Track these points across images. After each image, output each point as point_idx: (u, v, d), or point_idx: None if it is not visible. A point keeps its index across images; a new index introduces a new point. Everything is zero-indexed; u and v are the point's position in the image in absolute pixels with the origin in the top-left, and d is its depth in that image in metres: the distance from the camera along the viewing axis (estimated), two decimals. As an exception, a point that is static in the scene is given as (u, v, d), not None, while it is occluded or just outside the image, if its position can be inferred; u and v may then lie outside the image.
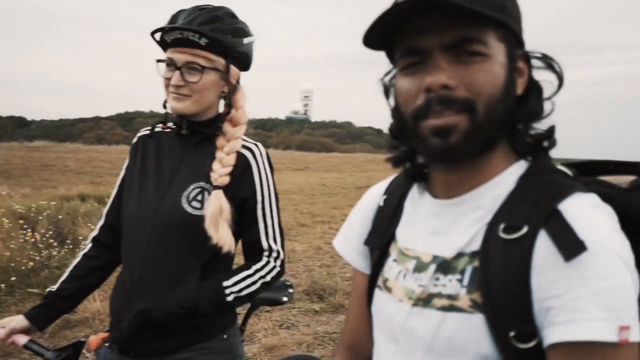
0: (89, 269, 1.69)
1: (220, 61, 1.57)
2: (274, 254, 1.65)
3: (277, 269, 1.65)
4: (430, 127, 0.82)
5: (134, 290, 1.56)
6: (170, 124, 1.70)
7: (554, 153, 0.92)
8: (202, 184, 1.58)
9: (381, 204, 1.07)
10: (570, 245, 0.74)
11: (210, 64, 1.55)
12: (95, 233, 1.75)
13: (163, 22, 1.58)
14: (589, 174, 1.01)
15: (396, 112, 0.92)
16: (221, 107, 1.68)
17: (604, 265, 0.73)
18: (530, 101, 0.88)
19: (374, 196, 1.11)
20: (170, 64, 1.55)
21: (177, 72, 1.52)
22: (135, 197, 1.62)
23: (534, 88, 0.89)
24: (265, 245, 1.64)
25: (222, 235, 1.53)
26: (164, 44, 1.57)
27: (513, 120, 0.88)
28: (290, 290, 2.22)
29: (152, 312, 1.51)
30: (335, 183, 17.49)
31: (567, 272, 0.74)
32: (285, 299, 2.19)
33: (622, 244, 0.76)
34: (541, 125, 0.90)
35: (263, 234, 1.64)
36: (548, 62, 0.89)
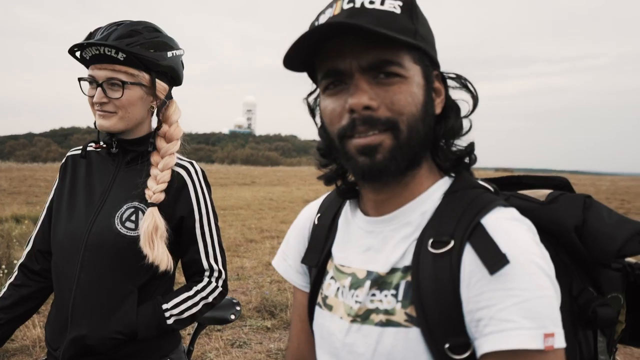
0: (18, 299, 1.60)
1: (144, 76, 1.55)
2: (215, 274, 1.62)
3: (219, 289, 1.63)
4: (357, 146, 0.85)
5: (67, 316, 1.49)
6: (102, 143, 1.65)
7: (485, 163, 0.97)
8: (136, 203, 1.53)
9: (316, 222, 1.09)
10: (494, 259, 0.78)
11: (132, 79, 1.53)
12: (22, 260, 1.65)
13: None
14: (509, 188, 1.07)
15: (323, 131, 0.95)
16: (154, 123, 1.64)
17: (527, 276, 0.77)
18: (448, 120, 0.92)
19: (309, 215, 1.14)
20: (92, 81, 1.52)
21: (99, 89, 1.50)
22: (66, 219, 1.56)
23: (452, 107, 0.93)
24: (205, 265, 1.62)
25: (158, 253, 1.49)
26: (84, 61, 1.54)
27: (434, 138, 0.92)
28: (238, 308, 2.20)
29: (87, 340, 1.45)
30: (282, 197, 17.44)
31: (493, 285, 0.78)
32: (232, 317, 2.17)
33: (542, 256, 0.80)
34: (462, 142, 0.95)
35: (203, 253, 1.61)
36: (462, 82, 0.95)
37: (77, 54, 1.53)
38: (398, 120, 0.84)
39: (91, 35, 1.53)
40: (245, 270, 6.80)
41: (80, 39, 1.56)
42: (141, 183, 1.55)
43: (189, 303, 1.56)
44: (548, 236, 0.95)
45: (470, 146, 0.94)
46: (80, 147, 1.70)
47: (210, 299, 1.60)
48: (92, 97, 1.52)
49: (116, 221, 1.51)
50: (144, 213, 1.52)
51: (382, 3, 0.84)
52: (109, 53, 1.47)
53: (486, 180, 1.01)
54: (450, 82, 0.95)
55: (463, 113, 0.95)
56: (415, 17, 0.87)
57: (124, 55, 1.48)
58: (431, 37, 0.92)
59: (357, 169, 0.87)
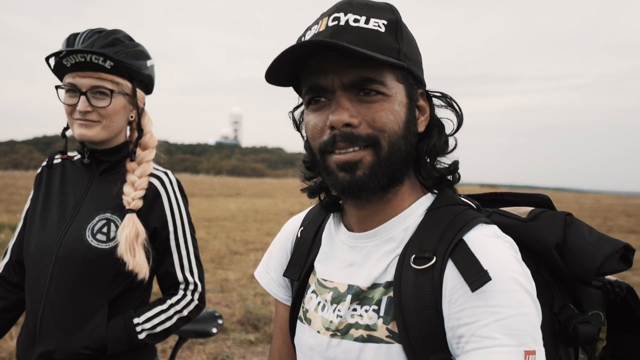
0: None
1: (127, 85, 1.54)
2: (191, 287, 1.59)
3: (195, 302, 1.59)
4: (337, 161, 0.87)
5: (36, 330, 1.46)
6: (71, 154, 1.63)
7: (470, 179, 0.98)
8: (108, 215, 1.51)
9: (299, 235, 1.10)
10: (475, 275, 0.78)
11: (118, 88, 1.51)
12: None
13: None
14: (492, 205, 1.08)
15: (308, 144, 0.96)
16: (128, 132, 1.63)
17: (508, 293, 0.77)
18: (431, 138, 0.93)
19: (292, 228, 1.14)
20: (73, 89, 1.48)
21: (83, 98, 1.47)
22: (37, 231, 1.53)
23: (435, 125, 0.94)
24: (180, 277, 1.58)
25: (138, 261, 1.47)
26: (61, 69, 1.50)
27: (417, 155, 0.93)
28: (220, 322, 2.18)
29: (55, 355, 1.43)
30: (268, 209, 17.37)
31: (474, 302, 0.78)
32: (214, 330, 2.14)
33: (523, 273, 0.81)
34: (447, 160, 0.96)
35: (178, 266, 1.58)
36: (447, 101, 0.96)
37: (51, 60, 1.49)
38: (379, 137, 0.85)
39: (70, 42, 1.49)
40: (229, 282, 6.73)
41: (59, 44, 1.52)
42: (115, 193, 1.53)
43: (163, 317, 1.53)
44: (529, 253, 0.96)
45: (454, 164, 0.95)
46: (48, 158, 1.66)
47: (185, 312, 1.57)
48: (71, 105, 1.49)
49: (87, 233, 1.48)
50: (116, 224, 1.49)
51: (367, 22, 0.85)
52: (96, 61, 1.44)
53: (469, 196, 1.02)
54: (435, 101, 0.96)
55: (448, 131, 0.95)
56: (400, 35, 0.88)
57: (112, 64, 1.46)
58: (417, 55, 0.93)
59: (337, 185, 0.88)
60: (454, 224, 0.87)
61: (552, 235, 0.95)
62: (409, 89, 0.90)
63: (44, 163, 1.66)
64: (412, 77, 0.90)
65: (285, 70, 0.88)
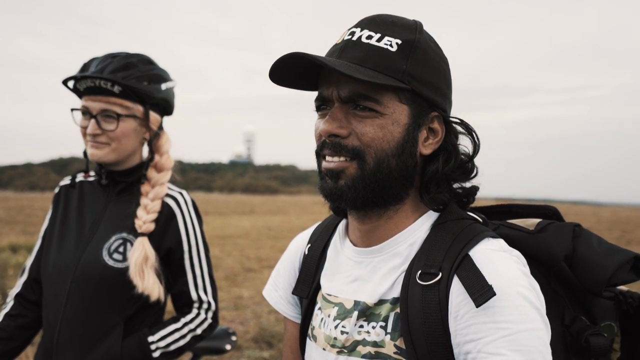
0: (14, 330, 1.58)
1: (138, 108, 1.56)
2: (205, 306, 1.61)
3: (209, 321, 1.61)
4: (325, 168, 0.90)
5: (53, 348, 1.48)
6: (92, 173, 1.67)
7: (486, 193, 0.98)
8: (124, 234, 1.53)
9: (306, 252, 1.10)
10: (480, 291, 0.78)
11: (127, 112, 1.54)
12: (17, 290, 1.64)
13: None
14: (499, 217, 1.07)
15: None
16: (145, 153, 1.66)
17: (514, 308, 0.77)
18: (435, 163, 0.92)
19: (299, 245, 1.14)
20: (86, 112, 1.54)
21: (92, 121, 1.51)
22: (56, 250, 1.56)
23: (444, 150, 0.93)
24: (194, 296, 1.60)
25: (148, 283, 1.48)
26: (77, 92, 1.55)
27: (422, 178, 0.93)
28: (234, 338, 2.18)
29: None
30: (281, 226, 17.37)
31: (480, 317, 0.78)
32: (228, 347, 2.14)
33: (530, 287, 0.80)
34: (466, 184, 0.95)
35: (192, 285, 1.60)
36: (466, 128, 0.96)
37: (70, 84, 1.54)
38: (365, 152, 0.87)
39: (86, 66, 1.54)
40: (243, 300, 6.73)
41: (75, 68, 1.58)
42: (131, 213, 1.55)
43: (177, 335, 1.55)
44: (539, 265, 0.95)
45: (471, 190, 0.95)
46: (70, 177, 1.70)
47: (198, 331, 1.58)
48: (84, 127, 1.54)
49: (104, 252, 1.50)
50: (132, 244, 1.51)
51: (380, 39, 0.86)
52: (105, 86, 1.48)
53: (475, 209, 1.01)
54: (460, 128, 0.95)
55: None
56: (413, 56, 0.87)
57: (120, 88, 1.49)
58: (435, 78, 0.91)
59: (321, 189, 0.92)
60: (460, 239, 0.86)
61: (560, 247, 0.94)
62: (415, 110, 0.89)
63: (64, 182, 1.69)
64: (423, 98, 0.90)
65: (295, 74, 0.92)
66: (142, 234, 1.52)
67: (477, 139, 0.95)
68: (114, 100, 1.51)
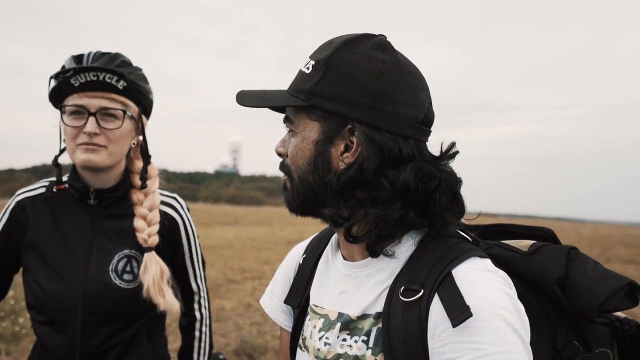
0: None
1: (135, 108, 1.44)
2: (203, 296, 1.66)
3: (205, 320, 1.68)
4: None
5: None
6: (65, 184, 1.47)
7: (471, 208, 0.96)
8: (127, 251, 1.44)
9: (301, 262, 1.10)
10: (457, 311, 0.77)
11: (128, 111, 1.41)
12: None
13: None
14: (495, 236, 1.06)
15: None
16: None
17: (491, 330, 0.76)
18: (346, 174, 0.86)
19: (295, 255, 1.15)
20: (80, 110, 1.36)
21: (92, 119, 1.35)
22: (47, 279, 1.39)
23: (355, 163, 0.86)
24: (195, 287, 1.64)
25: (169, 300, 1.44)
26: (66, 89, 1.37)
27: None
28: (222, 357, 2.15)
29: None
30: (266, 237, 17.27)
31: (456, 337, 0.78)
32: None
33: (510, 310, 0.79)
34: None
35: (192, 277, 1.63)
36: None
37: (53, 81, 1.38)
38: (291, 169, 0.93)
39: (79, 60, 1.39)
40: (225, 311, 6.65)
41: (66, 65, 1.41)
42: (128, 227, 1.44)
43: (202, 346, 1.66)
44: (531, 287, 0.94)
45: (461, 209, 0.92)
46: (35, 186, 1.51)
47: (204, 329, 1.68)
48: (76, 127, 1.37)
49: (112, 275, 1.40)
50: (137, 260, 1.43)
51: (306, 64, 0.92)
52: (109, 80, 1.35)
53: (470, 227, 1.00)
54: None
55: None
56: (325, 74, 0.87)
57: (125, 84, 1.37)
58: (344, 91, 0.87)
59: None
60: (444, 257, 0.86)
61: (553, 270, 0.93)
62: (326, 125, 0.88)
63: (26, 194, 1.49)
64: (335, 114, 0.87)
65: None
66: (149, 248, 1.44)
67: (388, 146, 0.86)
68: (115, 97, 1.37)
